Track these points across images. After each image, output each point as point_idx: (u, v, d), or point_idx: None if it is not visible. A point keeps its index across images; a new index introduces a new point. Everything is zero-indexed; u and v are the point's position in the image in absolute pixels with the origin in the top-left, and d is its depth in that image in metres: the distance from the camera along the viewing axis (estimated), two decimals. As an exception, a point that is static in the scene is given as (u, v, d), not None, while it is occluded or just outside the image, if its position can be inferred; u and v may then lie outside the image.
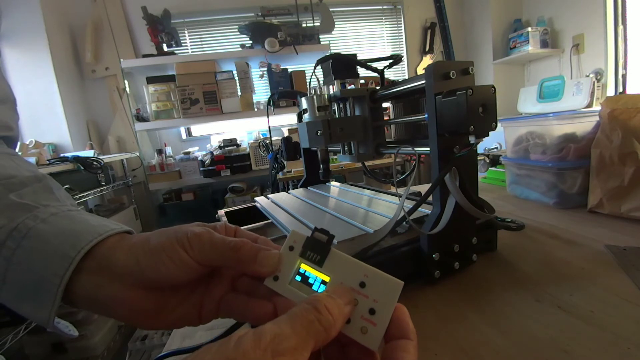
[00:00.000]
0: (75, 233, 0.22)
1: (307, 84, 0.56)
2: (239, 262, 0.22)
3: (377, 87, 0.56)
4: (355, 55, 0.58)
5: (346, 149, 0.61)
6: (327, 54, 0.58)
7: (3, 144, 0.30)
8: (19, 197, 0.23)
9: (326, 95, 0.56)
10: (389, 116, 0.61)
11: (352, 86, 0.58)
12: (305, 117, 0.55)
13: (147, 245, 0.22)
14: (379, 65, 0.60)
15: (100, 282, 0.21)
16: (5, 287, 0.21)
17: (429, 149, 0.40)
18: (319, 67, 0.59)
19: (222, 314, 0.24)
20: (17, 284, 0.21)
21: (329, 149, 0.67)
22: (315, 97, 0.54)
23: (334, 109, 0.61)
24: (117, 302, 0.21)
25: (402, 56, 0.62)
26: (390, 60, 0.58)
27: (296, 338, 0.15)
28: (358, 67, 0.59)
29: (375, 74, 0.61)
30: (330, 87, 0.59)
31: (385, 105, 0.63)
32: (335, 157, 0.71)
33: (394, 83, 0.50)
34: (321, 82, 0.60)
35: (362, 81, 0.63)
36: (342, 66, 0.57)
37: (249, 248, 0.22)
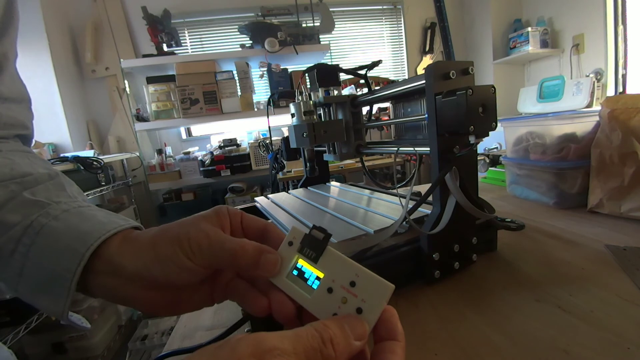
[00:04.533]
0: (85, 230, 0.23)
1: (296, 90, 0.60)
2: (239, 268, 0.23)
3: (358, 94, 0.61)
4: (337, 65, 0.65)
5: (331, 149, 0.66)
6: (313, 64, 0.63)
7: (19, 142, 0.31)
8: (33, 195, 0.25)
9: (311, 102, 0.60)
10: (389, 116, 0.62)
11: (336, 92, 0.64)
12: (294, 120, 0.60)
13: (153, 253, 0.23)
14: (379, 70, 0.61)
15: (115, 284, 0.23)
16: (22, 281, 0.22)
17: (428, 148, 0.40)
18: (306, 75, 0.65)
19: (230, 297, 0.26)
20: (33, 278, 0.22)
21: (320, 148, 0.73)
22: (301, 103, 0.58)
23: (320, 113, 0.67)
24: (136, 302, 0.24)
25: (380, 61, 0.66)
26: (369, 65, 0.64)
27: (295, 358, 0.15)
28: (346, 73, 0.64)
29: (375, 75, 0.62)
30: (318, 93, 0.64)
31: (385, 105, 0.66)
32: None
33: (393, 83, 0.50)
34: (308, 89, 0.64)
35: (361, 81, 0.65)
36: (325, 75, 0.63)
37: (249, 256, 0.22)
